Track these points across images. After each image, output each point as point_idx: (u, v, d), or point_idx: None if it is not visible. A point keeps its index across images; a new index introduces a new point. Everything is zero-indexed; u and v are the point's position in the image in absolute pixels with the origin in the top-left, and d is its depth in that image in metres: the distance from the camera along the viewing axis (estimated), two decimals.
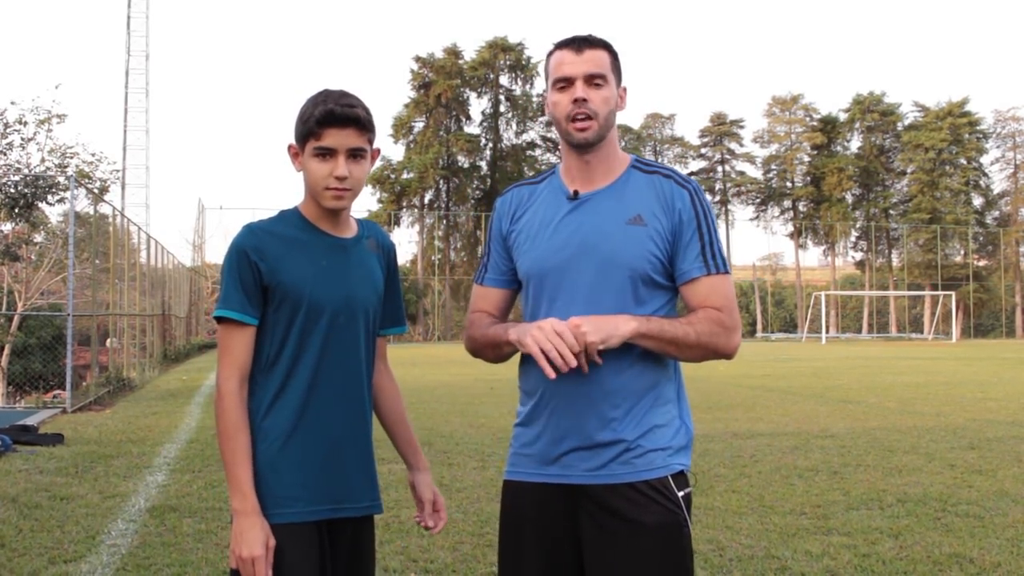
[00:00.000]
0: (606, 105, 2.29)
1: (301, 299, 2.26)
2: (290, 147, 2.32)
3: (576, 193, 2.34)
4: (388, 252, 2.48)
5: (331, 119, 2.21)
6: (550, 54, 2.35)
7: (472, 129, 63.82)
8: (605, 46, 2.32)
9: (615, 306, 2.24)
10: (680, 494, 2.25)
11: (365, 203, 64.27)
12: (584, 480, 2.25)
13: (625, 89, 2.37)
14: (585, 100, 2.26)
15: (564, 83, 2.29)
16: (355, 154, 2.26)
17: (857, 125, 67.95)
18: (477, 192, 63.60)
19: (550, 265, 2.31)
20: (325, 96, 2.25)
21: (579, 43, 2.30)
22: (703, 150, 70.56)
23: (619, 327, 2.17)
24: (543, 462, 2.31)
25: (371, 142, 2.29)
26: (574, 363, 2.12)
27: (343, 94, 2.26)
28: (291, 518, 2.23)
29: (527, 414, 2.37)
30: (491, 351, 2.41)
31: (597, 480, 2.24)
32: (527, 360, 2.36)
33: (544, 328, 2.14)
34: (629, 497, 2.22)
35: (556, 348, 2.11)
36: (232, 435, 2.21)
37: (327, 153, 2.24)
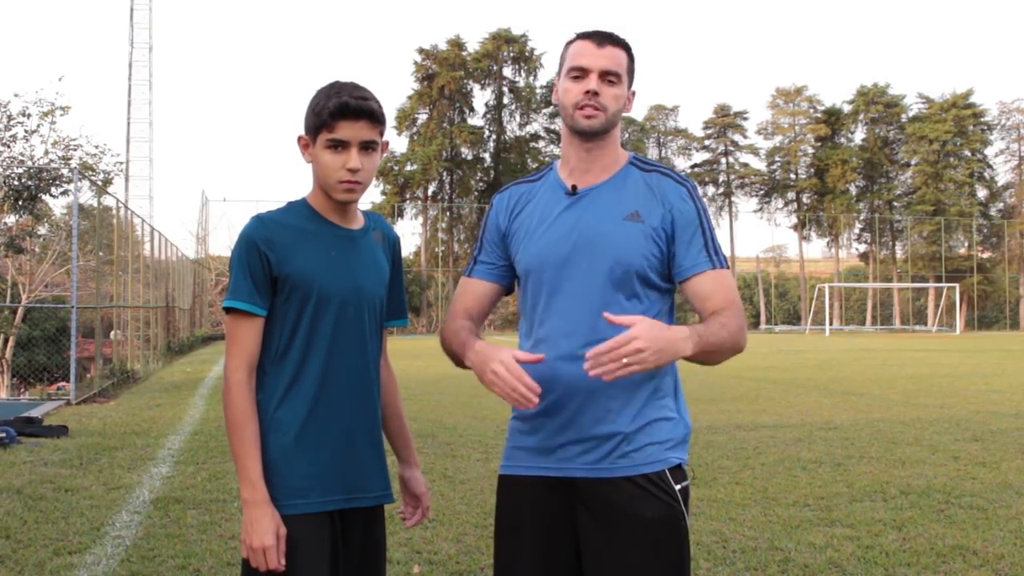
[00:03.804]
0: (616, 103, 2.29)
1: (311, 289, 2.26)
2: (300, 138, 2.31)
3: (574, 188, 2.34)
4: (393, 244, 2.49)
5: (345, 111, 2.21)
6: (569, 43, 2.35)
7: (476, 121, 63.76)
8: (625, 47, 2.33)
9: (610, 301, 2.24)
10: (677, 487, 2.25)
11: (369, 195, 64.32)
12: (581, 473, 2.26)
13: (634, 93, 2.38)
14: (597, 94, 2.26)
15: (579, 73, 2.29)
16: (367, 146, 2.26)
17: (861, 117, 67.68)
18: (481, 184, 63.53)
19: (549, 260, 2.31)
20: (338, 88, 2.24)
21: (601, 38, 2.31)
22: (707, 142, 70.34)
23: (678, 351, 2.06)
24: (540, 455, 2.31)
25: (382, 134, 2.30)
26: (535, 403, 2.07)
27: (355, 86, 2.26)
28: (305, 509, 2.23)
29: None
30: (454, 359, 2.37)
31: (595, 473, 2.24)
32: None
33: (500, 373, 2.09)
34: (626, 491, 2.22)
35: (516, 393, 2.07)
36: (241, 425, 2.21)
37: (340, 145, 2.23)
